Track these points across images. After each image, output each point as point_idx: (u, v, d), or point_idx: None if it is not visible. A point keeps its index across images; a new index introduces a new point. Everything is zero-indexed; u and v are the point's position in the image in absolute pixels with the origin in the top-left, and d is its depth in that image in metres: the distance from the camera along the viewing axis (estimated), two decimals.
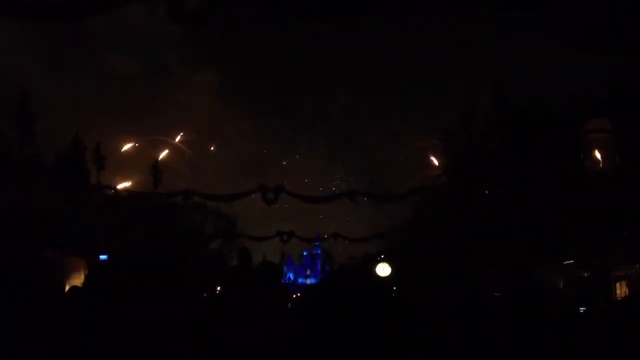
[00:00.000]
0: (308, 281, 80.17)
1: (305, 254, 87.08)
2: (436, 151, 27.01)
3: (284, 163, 79.56)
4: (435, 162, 28.42)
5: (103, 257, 21.90)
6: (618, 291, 18.22)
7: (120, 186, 29.37)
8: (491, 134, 21.15)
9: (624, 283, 18.36)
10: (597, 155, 10.81)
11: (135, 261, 1.90)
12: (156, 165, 32.40)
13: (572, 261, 19.46)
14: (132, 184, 30.99)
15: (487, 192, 19.72)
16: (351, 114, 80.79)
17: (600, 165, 10.70)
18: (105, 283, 1.90)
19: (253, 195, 30.69)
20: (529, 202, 17.94)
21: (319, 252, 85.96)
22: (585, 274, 18.24)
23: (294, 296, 14.78)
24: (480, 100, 23.46)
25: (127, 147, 33.30)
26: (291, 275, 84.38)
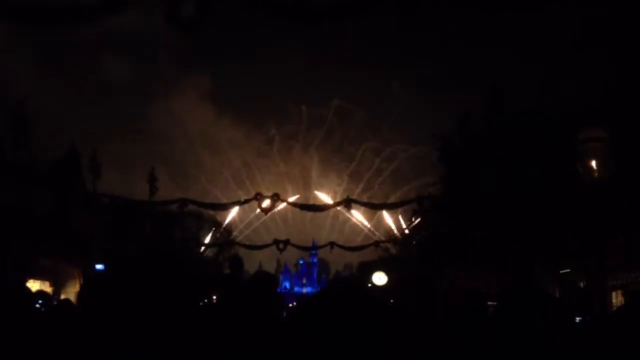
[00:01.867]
0: (304, 290, 79.90)
1: (301, 262, 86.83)
2: (432, 158, 26.92)
3: (280, 169, 79.65)
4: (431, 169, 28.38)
5: (99, 266, 21.70)
6: (614, 300, 18.23)
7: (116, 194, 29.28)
8: (487, 139, 21.07)
9: (619, 292, 18.37)
10: (593, 164, 10.80)
11: (132, 272, 1.88)
12: (152, 173, 32.37)
13: (568, 270, 19.47)
14: (128, 191, 30.91)
15: (483, 197, 19.69)
16: (347, 121, 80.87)
17: (596, 174, 10.69)
18: (101, 298, 1.88)
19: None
20: (526, 207, 17.92)
21: (315, 260, 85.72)
22: (581, 283, 18.26)
23: (290, 305, 14.74)
24: (477, 104, 23.38)
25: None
26: (287, 284, 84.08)
